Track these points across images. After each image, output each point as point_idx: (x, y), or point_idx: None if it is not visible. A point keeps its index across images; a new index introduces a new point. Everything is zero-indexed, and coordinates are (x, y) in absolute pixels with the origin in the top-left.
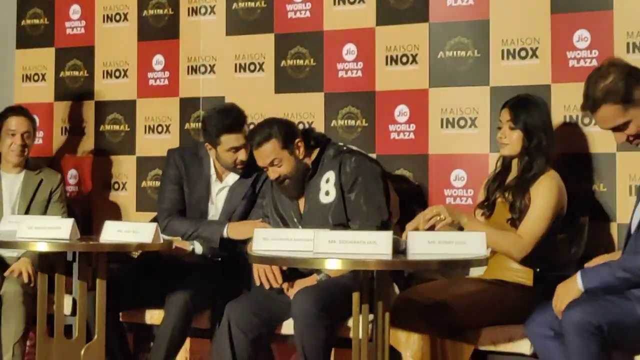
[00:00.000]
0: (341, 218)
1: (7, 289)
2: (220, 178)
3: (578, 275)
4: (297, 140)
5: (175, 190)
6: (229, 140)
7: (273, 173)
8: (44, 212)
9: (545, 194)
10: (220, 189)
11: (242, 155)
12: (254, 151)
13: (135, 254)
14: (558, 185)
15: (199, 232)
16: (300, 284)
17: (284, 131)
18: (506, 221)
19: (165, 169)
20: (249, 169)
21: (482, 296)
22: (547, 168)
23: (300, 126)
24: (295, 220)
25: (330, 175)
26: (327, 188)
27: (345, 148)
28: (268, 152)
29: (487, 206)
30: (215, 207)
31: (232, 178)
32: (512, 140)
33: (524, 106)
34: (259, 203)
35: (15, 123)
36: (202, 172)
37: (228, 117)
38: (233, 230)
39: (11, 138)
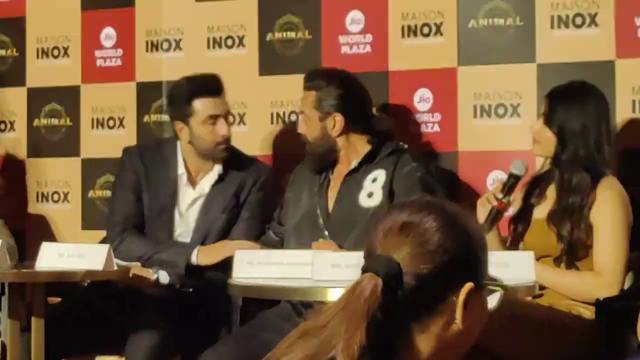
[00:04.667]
0: None
1: None
2: (193, 182)
3: None
4: (335, 114)
5: (131, 200)
6: (205, 106)
7: (300, 125)
8: None
9: (609, 210)
10: (195, 200)
11: (222, 128)
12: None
13: (84, 284)
14: (620, 195)
15: (160, 255)
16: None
17: (336, 94)
18: (553, 247)
19: (119, 173)
20: (231, 171)
21: (528, 332)
22: (594, 183)
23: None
24: (321, 220)
25: (380, 174)
26: (372, 189)
27: (407, 147)
28: (302, 102)
29: (522, 219)
30: (186, 222)
31: (208, 182)
32: (543, 139)
33: (566, 101)
34: (246, 217)
35: None
36: (168, 174)
37: (201, 80)
38: (205, 255)
39: None
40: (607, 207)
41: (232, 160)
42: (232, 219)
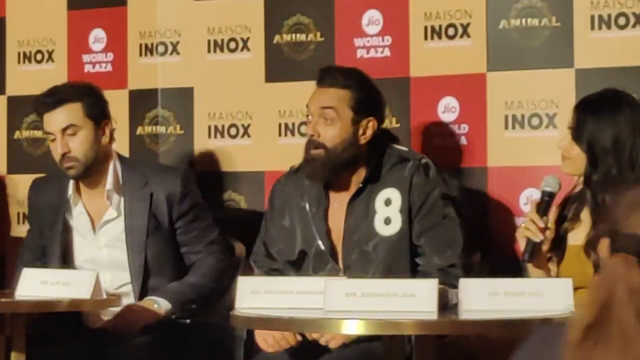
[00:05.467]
0: (403, 256)
1: None
2: (84, 203)
3: None
4: (370, 118)
5: (32, 233)
6: (44, 122)
7: (317, 125)
8: None
9: None
10: (105, 223)
11: (57, 146)
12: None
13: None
14: None
15: None
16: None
17: (371, 96)
18: (590, 278)
19: None
20: (133, 186)
21: None
22: None
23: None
24: (326, 252)
25: (392, 195)
26: (388, 213)
27: (418, 156)
28: (330, 98)
29: (556, 247)
30: (94, 254)
31: (112, 212)
32: (572, 156)
33: (595, 112)
34: (201, 227)
35: None
36: (60, 198)
37: (43, 94)
38: None
39: None
40: None
41: (133, 174)
42: (165, 237)
